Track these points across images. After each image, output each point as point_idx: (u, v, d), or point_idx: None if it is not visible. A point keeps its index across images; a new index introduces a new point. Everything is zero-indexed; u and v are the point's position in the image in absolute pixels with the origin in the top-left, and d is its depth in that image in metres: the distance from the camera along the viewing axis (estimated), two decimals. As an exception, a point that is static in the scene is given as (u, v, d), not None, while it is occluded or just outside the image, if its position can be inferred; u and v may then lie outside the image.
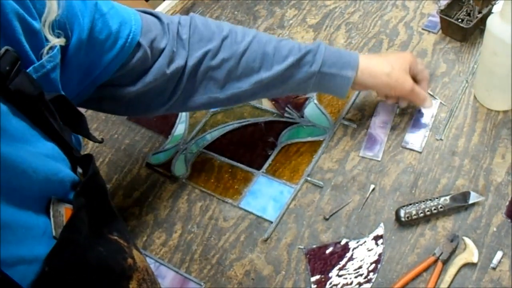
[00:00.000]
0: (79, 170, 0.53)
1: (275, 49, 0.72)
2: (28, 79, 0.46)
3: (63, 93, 0.54)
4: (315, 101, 0.90)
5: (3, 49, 0.43)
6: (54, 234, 0.44)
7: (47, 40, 0.51)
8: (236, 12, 1.10)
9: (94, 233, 0.51)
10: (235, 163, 0.84)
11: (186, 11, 1.13)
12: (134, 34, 0.63)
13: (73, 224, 0.46)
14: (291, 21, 1.05)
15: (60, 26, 0.53)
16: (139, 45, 0.64)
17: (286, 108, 0.89)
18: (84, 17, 0.57)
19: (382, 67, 0.76)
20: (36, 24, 0.50)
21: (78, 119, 0.55)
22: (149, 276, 0.60)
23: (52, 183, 0.46)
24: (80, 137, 0.62)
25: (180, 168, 0.85)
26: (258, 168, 0.83)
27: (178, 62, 0.68)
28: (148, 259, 0.75)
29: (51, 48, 0.51)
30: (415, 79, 0.81)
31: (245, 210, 0.78)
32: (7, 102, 0.44)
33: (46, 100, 0.48)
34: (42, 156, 0.46)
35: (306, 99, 0.90)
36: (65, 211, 0.46)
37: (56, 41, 0.51)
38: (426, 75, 0.82)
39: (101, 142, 0.63)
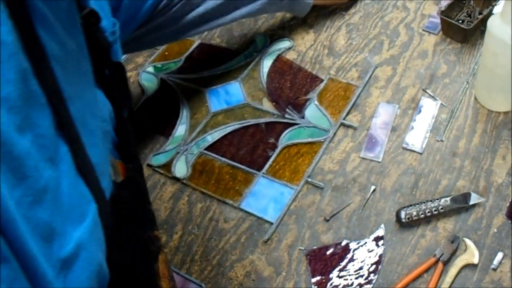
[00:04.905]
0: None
1: None
2: (104, 36, 0.52)
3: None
4: (316, 102, 0.90)
5: (88, 9, 0.48)
6: (113, 178, 0.47)
7: None
8: (236, 13, 1.10)
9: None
10: (235, 164, 0.84)
11: (186, 12, 1.13)
12: None
13: (131, 177, 0.50)
14: (291, 22, 1.04)
15: None
16: None
17: (287, 109, 0.89)
18: None
19: None
20: None
21: (127, 93, 0.57)
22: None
23: (106, 132, 0.49)
24: None
25: (180, 169, 0.85)
26: (259, 169, 0.83)
27: None
28: (148, 260, 0.75)
29: (114, 24, 0.57)
30: None
31: (246, 211, 0.78)
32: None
33: (112, 60, 0.52)
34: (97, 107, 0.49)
35: (307, 100, 0.90)
36: (118, 165, 0.49)
37: None
38: None
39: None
